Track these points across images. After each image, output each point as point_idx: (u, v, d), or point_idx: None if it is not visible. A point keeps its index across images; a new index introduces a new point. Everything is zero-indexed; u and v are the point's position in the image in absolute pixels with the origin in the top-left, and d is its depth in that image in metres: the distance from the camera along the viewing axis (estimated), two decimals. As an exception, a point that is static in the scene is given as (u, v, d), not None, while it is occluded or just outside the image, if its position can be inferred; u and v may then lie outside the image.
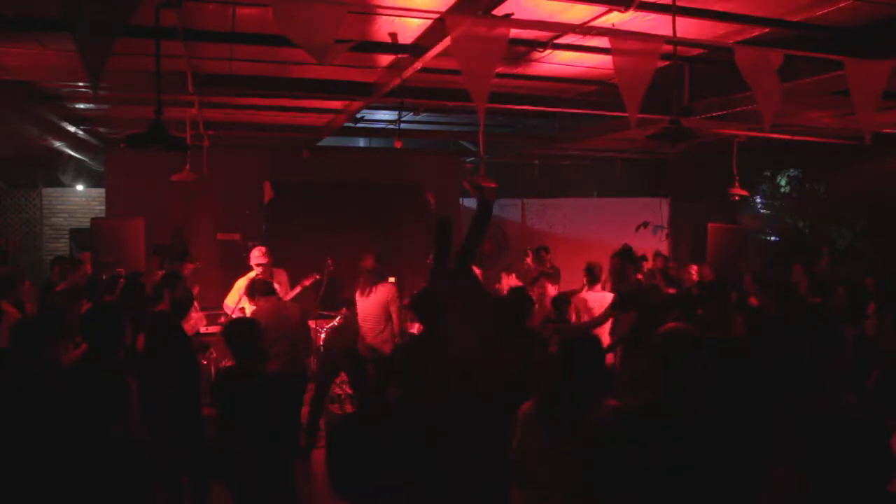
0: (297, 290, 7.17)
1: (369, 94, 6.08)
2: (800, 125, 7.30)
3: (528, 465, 2.93)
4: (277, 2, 3.05)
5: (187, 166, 6.98)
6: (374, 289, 6.44)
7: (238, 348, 4.01)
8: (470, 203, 11.37)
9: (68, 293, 6.29)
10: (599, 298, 6.74)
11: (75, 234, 10.63)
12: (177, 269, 7.09)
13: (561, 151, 10.69)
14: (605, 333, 6.24)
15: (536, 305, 6.74)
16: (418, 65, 4.99)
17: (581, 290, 7.13)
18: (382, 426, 2.15)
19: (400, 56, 5.24)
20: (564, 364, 2.89)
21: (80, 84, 6.25)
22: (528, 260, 8.98)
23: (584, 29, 4.15)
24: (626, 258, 6.36)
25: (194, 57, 5.28)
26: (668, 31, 3.91)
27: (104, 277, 6.76)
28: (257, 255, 6.97)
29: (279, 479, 3.98)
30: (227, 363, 5.90)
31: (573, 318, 6.94)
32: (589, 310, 6.75)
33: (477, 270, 8.30)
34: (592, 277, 6.99)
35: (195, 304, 6.68)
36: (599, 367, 2.94)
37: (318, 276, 7.50)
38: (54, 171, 11.27)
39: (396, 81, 5.54)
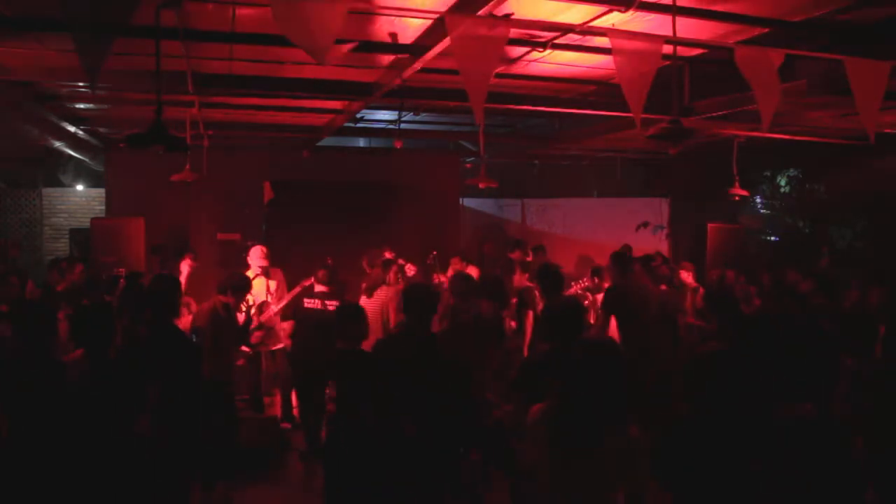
0: (297, 290, 7.17)
1: (369, 94, 6.08)
2: (799, 125, 7.29)
3: (536, 467, 2.83)
4: (277, 2, 3.05)
5: (187, 166, 6.98)
6: (377, 290, 6.48)
7: None
8: (470, 203, 11.39)
9: (68, 293, 6.30)
10: None
11: (75, 234, 10.63)
12: (176, 266, 7.11)
13: (561, 151, 10.68)
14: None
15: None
16: (418, 65, 4.99)
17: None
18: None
19: (400, 56, 5.25)
20: (584, 375, 2.67)
21: (80, 84, 6.25)
22: (529, 258, 8.99)
23: (584, 29, 4.15)
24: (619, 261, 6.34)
25: (194, 57, 5.28)
26: (668, 31, 3.91)
27: (104, 277, 6.77)
28: (258, 257, 6.97)
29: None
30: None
31: (592, 319, 6.95)
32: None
33: (475, 270, 8.36)
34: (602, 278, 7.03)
35: (192, 304, 6.68)
36: (620, 384, 2.69)
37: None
38: (54, 171, 11.27)
39: (396, 81, 5.54)
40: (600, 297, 7.06)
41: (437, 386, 3.80)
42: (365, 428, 3.59)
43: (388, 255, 7.28)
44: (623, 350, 3.31)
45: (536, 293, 6.41)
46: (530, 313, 6.44)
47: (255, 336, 6.37)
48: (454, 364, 4.13)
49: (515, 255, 8.57)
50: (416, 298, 4.17)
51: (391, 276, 6.79)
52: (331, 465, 3.85)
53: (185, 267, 7.27)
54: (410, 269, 7.46)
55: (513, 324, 6.50)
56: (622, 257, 6.42)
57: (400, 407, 3.65)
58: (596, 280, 7.35)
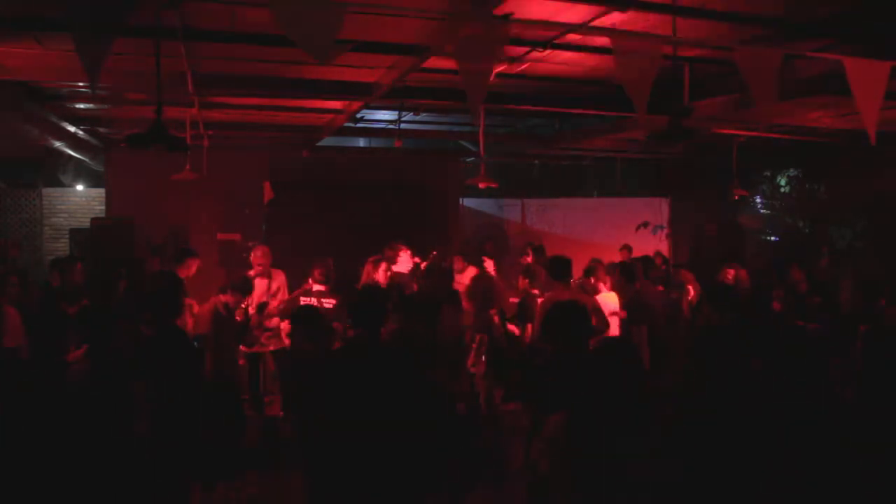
0: (298, 293, 7.12)
1: (369, 94, 6.08)
2: (800, 125, 7.30)
3: (553, 478, 2.81)
4: (277, 2, 3.05)
5: (187, 166, 6.98)
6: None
7: None
8: (470, 203, 11.38)
9: (68, 293, 6.28)
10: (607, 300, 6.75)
11: (75, 234, 10.62)
12: (177, 267, 7.09)
13: (561, 151, 10.69)
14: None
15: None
16: (418, 65, 4.99)
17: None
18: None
19: (400, 56, 5.25)
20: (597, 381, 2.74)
21: (80, 84, 6.25)
22: (528, 259, 8.98)
23: (584, 29, 4.15)
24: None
25: (194, 57, 5.28)
26: (668, 31, 3.91)
27: (104, 277, 6.76)
28: (258, 255, 6.99)
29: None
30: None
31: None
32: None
33: (473, 270, 8.36)
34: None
35: (194, 306, 6.68)
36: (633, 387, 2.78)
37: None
38: (54, 171, 11.26)
39: (397, 81, 5.54)
40: (598, 298, 7.04)
41: (392, 384, 3.68)
42: (328, 431, 3.48)
43: (403, 251, 7.31)
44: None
45: (538, 301, 6.42)
46: (529, 326, 6.42)
47: (259, 335, 6.38)
48: (402, 359, 4.02)
49: (526, 260, 8.60)
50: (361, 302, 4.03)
51: (380, 274, 6.80)
52: (307, 468, 3.77)
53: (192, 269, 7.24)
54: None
55: (515, 329, 6.48)
56: (629, 268, 6.46)
57: (361, 408, 3.51)
58: (592, 280, 7.33)
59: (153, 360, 4.19)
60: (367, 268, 6.82)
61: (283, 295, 7.07)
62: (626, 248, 9.62)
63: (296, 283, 7.27)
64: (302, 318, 4.41)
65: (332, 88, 6.08)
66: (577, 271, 8.64)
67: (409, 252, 7.39)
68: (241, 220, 9.36)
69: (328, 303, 6.36)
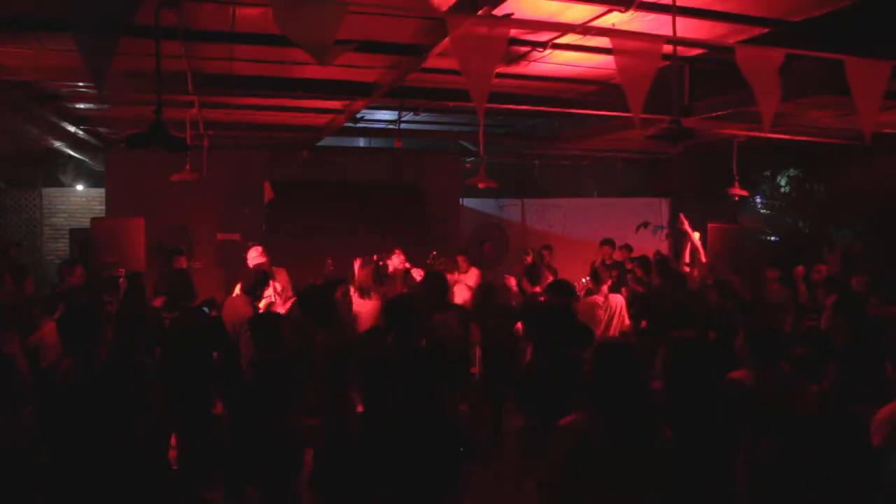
0: (290, 303, 7.10)
1: (369, 94, 6.08)
2: (800, 125, 7.29)
3: (579, 488, 2.65)
4: (277, 2, 3.05)
5: (187, 166, 6.98)
6: (375, 291, 6.51)
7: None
8: (470, 203, 11.38)
9: (67, 294, 6.28)
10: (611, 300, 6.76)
11: (75, 234, 10.62)
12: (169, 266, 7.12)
13: (561, 151, 10.69)
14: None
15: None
16: (418, 65, 4.99)
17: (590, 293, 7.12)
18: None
19: (400, 56, 5.24)
20: (627, 376, 2.71)
21: (80, 84, 6.25)
22: (529, 259, 8.98)
23: (584, 29, 4.15)
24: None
25: (194, 57, 5.28)
26: (668, 31, 3.91)
27: (105, 276, 6.76)
28: (254, 255, 7.00)
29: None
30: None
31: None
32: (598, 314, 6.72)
33: (475, 271, 8.36)
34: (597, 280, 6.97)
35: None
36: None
37: None
38: (54, 171, 11.26)
39: (397, 81, 5.54)
40: (599, 298, 7.03)
41: None
42: None
43: (396, 255, 7.35)
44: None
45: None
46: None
47: None
48: None
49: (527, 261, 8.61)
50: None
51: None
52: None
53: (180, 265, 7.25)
54: (417, 274, 7.49)
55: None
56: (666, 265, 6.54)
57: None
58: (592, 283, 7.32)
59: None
60: (355, 266, 6.85)
61: (288, 294, 7.07)
62: (626, 248, 9.58)
63: (296, 282, 7.28)
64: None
65: (332, 88, 6.08)
66: (577, 272, 8.69)
67: (402, 256, 7.45)
68: (241, 220, 9.36)
69: None
